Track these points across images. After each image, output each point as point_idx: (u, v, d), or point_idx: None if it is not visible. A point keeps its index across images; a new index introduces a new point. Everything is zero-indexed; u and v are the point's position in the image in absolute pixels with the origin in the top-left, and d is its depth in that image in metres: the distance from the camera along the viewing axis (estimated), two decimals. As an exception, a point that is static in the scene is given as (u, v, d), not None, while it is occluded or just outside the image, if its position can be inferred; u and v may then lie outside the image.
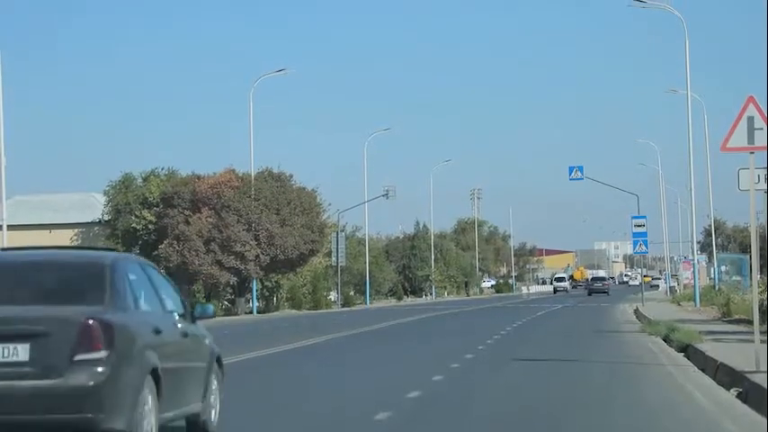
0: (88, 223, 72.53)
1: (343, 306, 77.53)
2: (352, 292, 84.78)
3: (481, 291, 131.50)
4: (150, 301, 10.42)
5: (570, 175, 63.17)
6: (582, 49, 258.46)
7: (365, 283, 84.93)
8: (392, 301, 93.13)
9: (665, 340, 26.63)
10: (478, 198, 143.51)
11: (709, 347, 20.94)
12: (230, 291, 65.66)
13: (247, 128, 65.87)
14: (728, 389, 15.52)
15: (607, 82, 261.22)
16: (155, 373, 9.63)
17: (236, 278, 62.90)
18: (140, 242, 67.51)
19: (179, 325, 10.81)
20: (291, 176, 66.46)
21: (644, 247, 59.50)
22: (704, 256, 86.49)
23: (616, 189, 74.44)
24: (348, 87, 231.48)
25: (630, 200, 72.44)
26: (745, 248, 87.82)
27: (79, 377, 8.95)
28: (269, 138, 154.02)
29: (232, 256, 61.63)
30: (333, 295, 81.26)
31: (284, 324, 45.70)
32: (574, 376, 18.49)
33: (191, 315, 11.29)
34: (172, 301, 10.95)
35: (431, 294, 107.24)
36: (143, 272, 10.60)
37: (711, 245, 77.56)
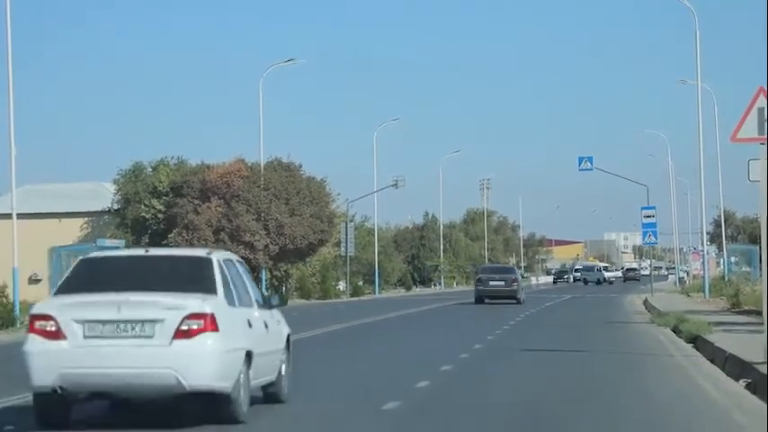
0: (98, 212, 72.60)
1: (351, 296, 77.52)
2: (361, 282, 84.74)
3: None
4: None
5: (580, 165, 63.02)
6: (591, 40, 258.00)
7: (374, 273, 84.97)
8: (401, 291, 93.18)
9: (674, 331, 26.60)
10: (488, 188, 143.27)
11: (718, 338, 20.91)
12: (239, 280, 65.70)
13: (257, 117, 65.88)
14: (737, 380, 15.51)
15: (617, 73, 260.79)
16: None
17: (245, 268, 62.97)
18: (149, 231, 67.56)
19: None
20: (301, 166, 66.48)
21: (653, 238, 59.39)
22: (714, 247, 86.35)
23: (626, 180, 74.30)
24: (358, 77, 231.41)
25: (640, 191, 72.25)
26: (755, 239, 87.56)
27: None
28: (278, 127, 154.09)
29: (241, 246, 61.64)
30: (342, 285, 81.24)
31: (294, 313, 45.73)
32: (583, 367, 18.48)
33: None
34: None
35: (440, 284, 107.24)
36: None
37: (721, 236, 77.48)
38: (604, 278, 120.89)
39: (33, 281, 66.26)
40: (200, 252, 13.21)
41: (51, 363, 11.64)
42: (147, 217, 66.99)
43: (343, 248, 77.11)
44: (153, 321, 11.68)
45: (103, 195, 72.45)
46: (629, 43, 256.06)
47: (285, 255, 64.12)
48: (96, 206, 72.46)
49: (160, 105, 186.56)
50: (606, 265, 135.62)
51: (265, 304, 13.65)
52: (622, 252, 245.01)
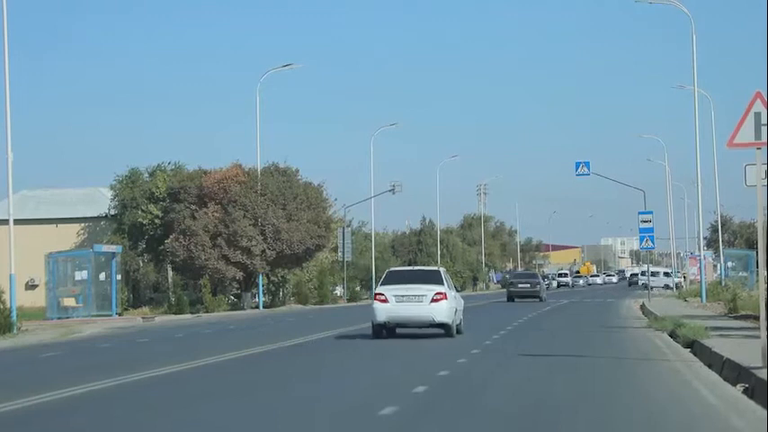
0: (95, 218, 72.63)
1: (349, 301, 77.51)
2: (358, 287, 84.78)
3: (487, 286, 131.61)
4: None
5: (577, 170, 63.01)
6: (588, 45, 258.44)
7: (371, 278, 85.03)
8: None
9: (671, 336, 26.61)
10: (485, 193, 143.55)
11: (715, 343, 20.91)
12: (236, 285, 65.71)
13: (254, 122, 65.92)
14: (735, 384, 15.50)
15: (614, 77, 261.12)
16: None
17: (242, 273, 62.92)
18: (146, 237, 67.62)
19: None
20: (298, 171, 66.48)
21: (651, 243, 59.41)
22: (711, 252, 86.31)
23: (623, 185, 74.40)
24: (355, 82, 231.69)
25: (637, 195, 72.39)
26: (752, 244, 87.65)
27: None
28: (275, 132, 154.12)
29: (238, 251, 61.66)
30: (339, 290, 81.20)
31: (290, 318, 45.68)
32: (581, 371, 18.48)
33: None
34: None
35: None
36: None
37: (718, 240, 77.51)
38: (674, 284, 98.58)
39: (30, 286, 66.27)
40: (435, 267, 33.09)
41: (383, 312, 28.03)
42: (144, 222, 67.02)
43: (340, 254, 77.11)
44: (423, 295, 27.78)
45: (100, 201, 72.47)
46: (627, 48, 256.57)
47: (282, 260, 64.10)
48: (93, 212, 72.51)
49: (157, 111, 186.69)
50: (667, 269, 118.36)
51: (455, 289, 29.57)
52: (619, 257, 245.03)
